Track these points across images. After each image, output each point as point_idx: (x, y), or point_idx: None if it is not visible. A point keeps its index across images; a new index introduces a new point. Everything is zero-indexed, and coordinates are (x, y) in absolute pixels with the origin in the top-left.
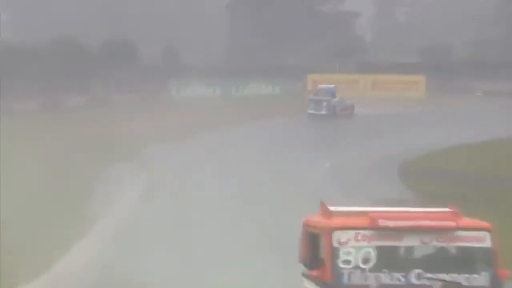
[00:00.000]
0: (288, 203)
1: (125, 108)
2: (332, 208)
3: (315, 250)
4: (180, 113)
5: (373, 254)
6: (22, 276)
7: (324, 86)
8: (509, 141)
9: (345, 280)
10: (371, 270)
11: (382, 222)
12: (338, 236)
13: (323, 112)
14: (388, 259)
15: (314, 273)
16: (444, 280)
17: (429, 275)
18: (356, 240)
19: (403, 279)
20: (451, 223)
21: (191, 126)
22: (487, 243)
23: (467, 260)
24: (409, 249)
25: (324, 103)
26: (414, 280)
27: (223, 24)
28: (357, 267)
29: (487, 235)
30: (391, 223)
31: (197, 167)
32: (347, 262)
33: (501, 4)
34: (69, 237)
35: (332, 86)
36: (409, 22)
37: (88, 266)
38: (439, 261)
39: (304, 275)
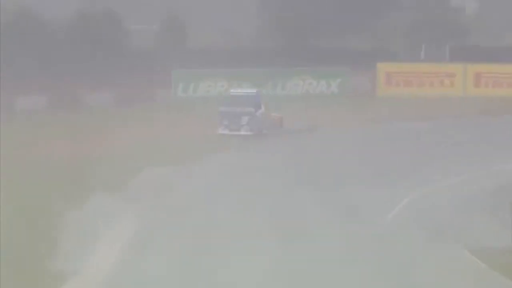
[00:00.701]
0: (349, 259)
1: (105, 114)
2: None
3: None
4: (189, 122)
5: None
6: None
7: (240, 91)
8: None
9: None
10: None
11: None
12: None
13: (244, 131)
14: None
15: None
16: None
17: None
18: None
19: None
20: None
21: (205, 142)
22: None
23: None
24: None
25: (246, 118)
26: None
27: None
28: None
29: None
30: None
31: (213, 202)
32: None
33: None
34: None
35: (254, 90)
36: None
37: None
38: None
39: None
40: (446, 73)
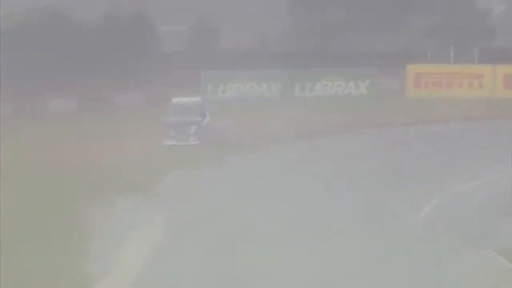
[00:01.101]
0: (378, 260)
1: (134, 115)
2: None
3: None
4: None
5: None
6: None
7: (184, 99)
8: None
9: None
10: None
11: None
12: None
13: (192, 141)
14: None
15: None
16: None
17: None
18: None
19: None
20: None
21: (233, 143)
22: None
23: None
24: None
25: (193, 128)
26: None
27: None
28: None
29: None
30: None
31: (242, 204)
32: None
33: None
34: None
35: (198, 98)
36: None
37: None
38: None
39: None
40: (475, 75)
